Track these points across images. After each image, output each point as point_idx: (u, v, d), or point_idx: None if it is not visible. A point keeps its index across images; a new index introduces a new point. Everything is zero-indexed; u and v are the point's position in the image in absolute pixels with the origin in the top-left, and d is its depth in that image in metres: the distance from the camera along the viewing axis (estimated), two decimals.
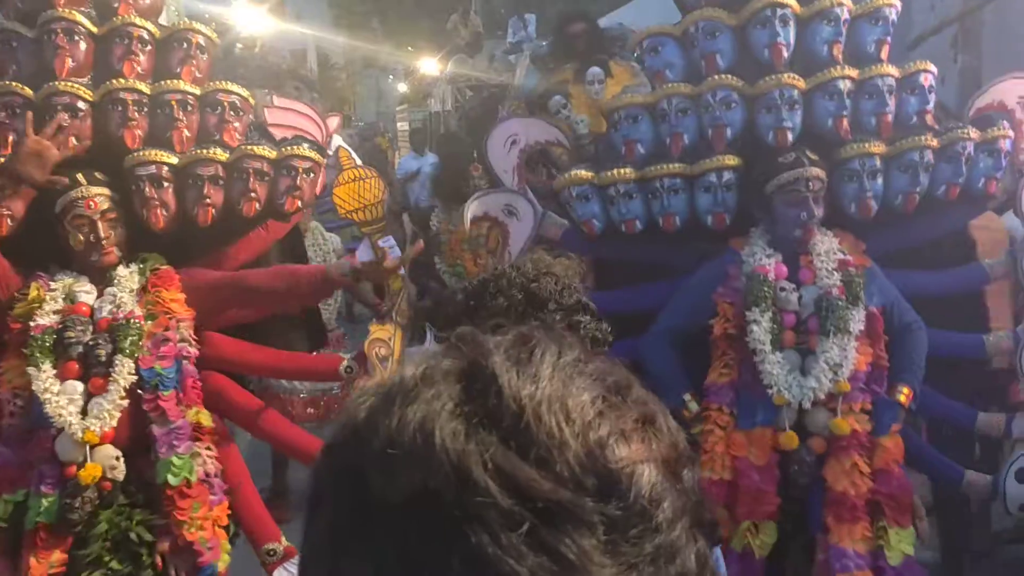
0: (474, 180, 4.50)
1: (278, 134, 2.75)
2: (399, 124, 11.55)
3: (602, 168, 2.88)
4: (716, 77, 2.76)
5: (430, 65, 11.62)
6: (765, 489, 2.54)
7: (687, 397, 2.68)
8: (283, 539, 2.64)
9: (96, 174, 2.50)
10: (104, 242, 2.46)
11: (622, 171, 2.83)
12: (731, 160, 2.75)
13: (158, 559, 2.42)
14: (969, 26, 6.16)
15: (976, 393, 3.11)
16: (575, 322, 1.47)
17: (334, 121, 2.92)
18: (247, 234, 2.69)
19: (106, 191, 2.49)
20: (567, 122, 3.36)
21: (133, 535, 2.39)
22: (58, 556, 2.32)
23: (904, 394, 2.65)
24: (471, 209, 3.04)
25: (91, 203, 2.46)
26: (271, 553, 2.62)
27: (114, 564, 2.36)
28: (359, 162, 2.88)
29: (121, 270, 2.50)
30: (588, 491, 0.46)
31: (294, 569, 2.59)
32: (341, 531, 0.48)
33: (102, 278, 2.50)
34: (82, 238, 2.46)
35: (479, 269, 2.97)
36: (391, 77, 17.88)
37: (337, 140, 2.87)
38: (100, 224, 2.45)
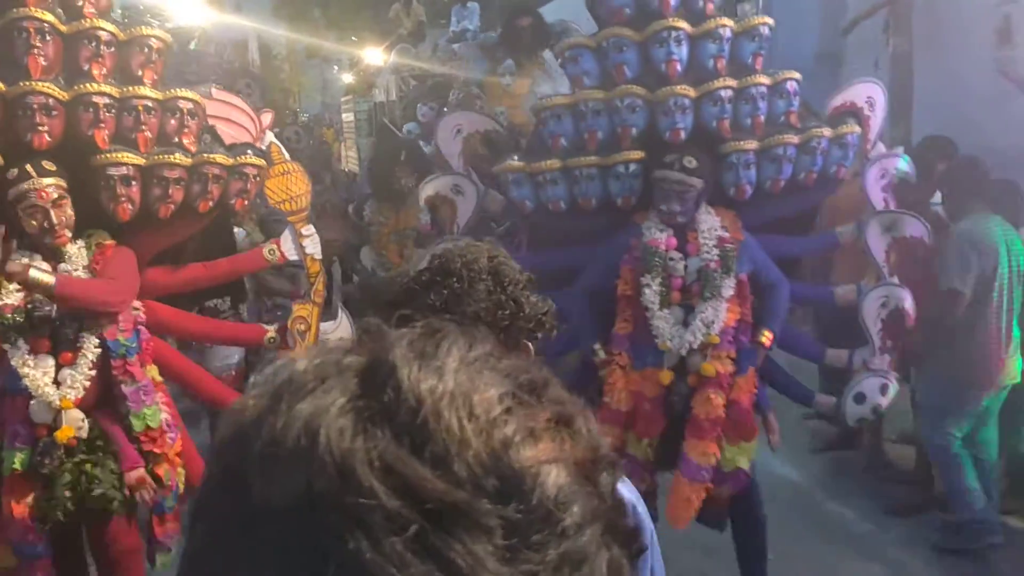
0: (401, 180, 4.81)
1: (217, 126, 3.09)
2: (344, 115, 11.31)
3: (532, 158, 3.52)
4: (624, 87, 3.38)
5: (374, 55, 11.31)
6: (654, 414, 3.33)
7: (597, 346, 3.43)
8: None
9: (44, 164, 2.70)
10: (57, 227, 2.70)
11: (548, 162, 3.48)
12: (635, 155, 3.41)
13: (126, 491, 2.82)
14: (900, 10, 6.32)
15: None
16: (532, 303, 1.53)
17: (267, 117, 3.22)
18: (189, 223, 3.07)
19: (56, 180, 2.71)
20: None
21: (98, 473, 2.76)
22: (29, 498, 2.71)
23: (766, 336, 3.43)
24: (425, 190, 3.68)
25: (43, 193, 2.68)
26: None
27: (70, 505, 2.73)
28: (287, 157, 3.34)
29: (70, 247, 2.77)
30: (487, 492, 0.42)
31: None
32: (221, 538, 0.45)
33: (53, 254, 2.77)
34: (36, 224, 2.69)
35: (402, 261, 3.56)
36: (336, 67, 17.25)
37: (269, 136, 3.21)
38: (52, 212, 2.69)
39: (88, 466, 2.78)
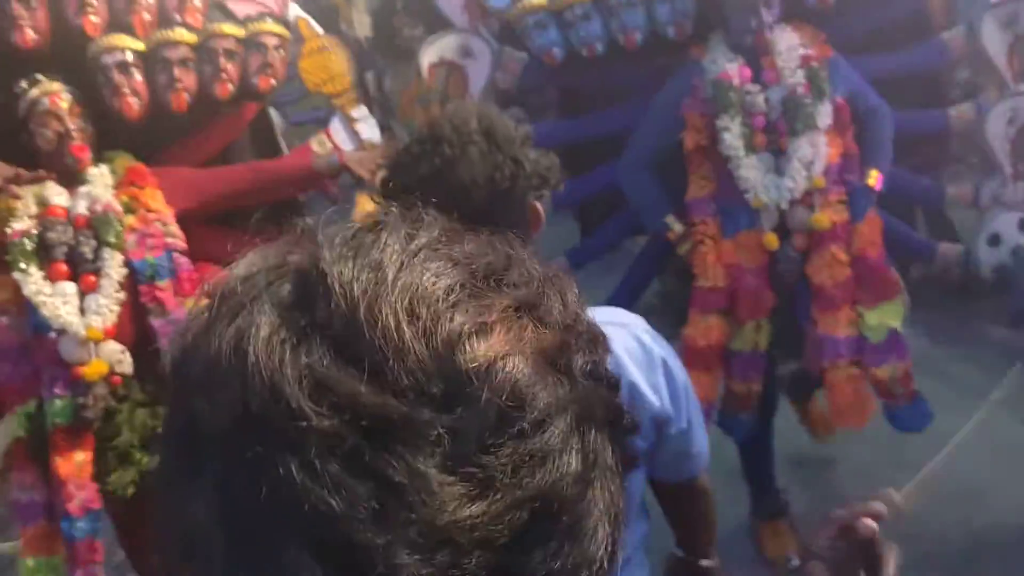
0: (403, 31, 4.18)
1: (235, 9, 2.62)
2: None
3: None
4: None
5: None
6: (760, 288, 2.66)
7: (670, 219, 2.74)
8: None
9: (55, 75, 2.39)
10: (75, 134, 2.36)
11: None
12: None
13: None
14: None
15: None
16: (532, 159, 1.41)
17: None
18: (217, 119, 2.61)
19: (68, 87, 2.39)
20: None
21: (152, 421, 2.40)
22: (82, 456, 2.34)
23: (874, 177, 2.72)
24: (426, 55, 2.95)
25: (56, 98, 2.36)
26: None
27: (145, 460, 2.37)
28: (320, 31, 2.76)
29: (92, 170, 2.42)
30: (431, 399, 0.40)
31: None
32: (173, 465, 0.44)
33: (72, 181, 2.41)
34: (51, 135, 2.35)
35: None
36: None
37: (295, 9, 2.72)
38: (68, 117, 2.37)
39: (148, 414, 2.37)
